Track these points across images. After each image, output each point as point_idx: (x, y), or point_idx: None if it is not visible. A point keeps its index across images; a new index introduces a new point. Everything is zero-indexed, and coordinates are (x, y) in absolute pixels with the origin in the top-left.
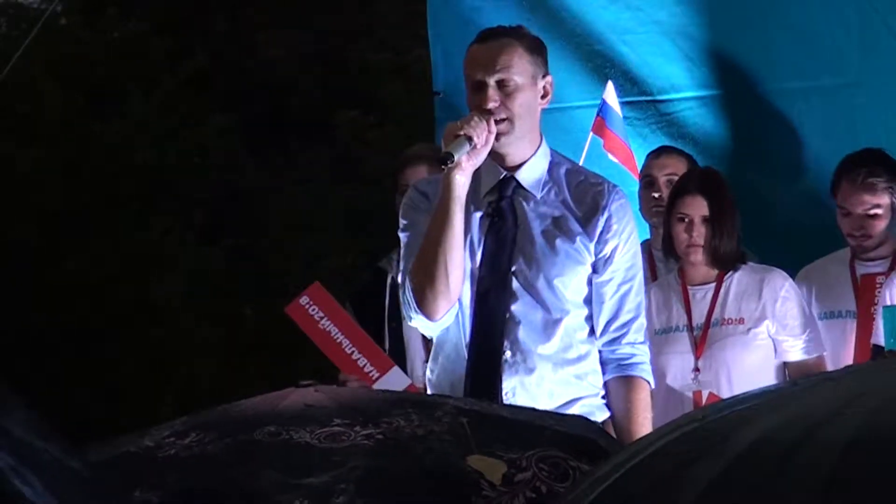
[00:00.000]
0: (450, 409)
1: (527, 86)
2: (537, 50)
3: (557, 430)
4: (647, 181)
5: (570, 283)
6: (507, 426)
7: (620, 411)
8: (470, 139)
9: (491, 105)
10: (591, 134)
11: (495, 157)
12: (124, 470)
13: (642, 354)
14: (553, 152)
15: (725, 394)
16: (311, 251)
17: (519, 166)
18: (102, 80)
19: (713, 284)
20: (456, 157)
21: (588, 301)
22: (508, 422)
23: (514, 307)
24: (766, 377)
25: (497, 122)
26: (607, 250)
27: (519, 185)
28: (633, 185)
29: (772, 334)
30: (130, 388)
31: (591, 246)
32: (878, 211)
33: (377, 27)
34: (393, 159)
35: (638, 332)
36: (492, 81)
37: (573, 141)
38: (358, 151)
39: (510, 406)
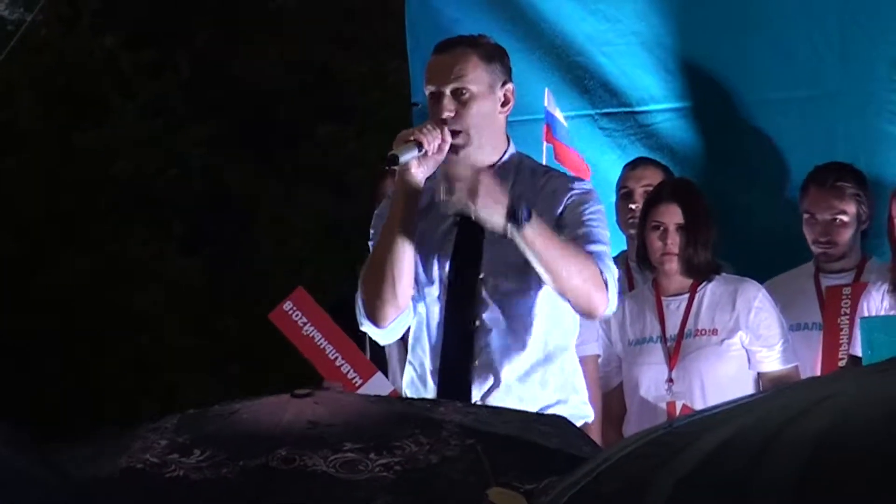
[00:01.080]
0: (454, 427)
1: (483, 94)
2: (495, 57)
3: (568, 452)
4: (624, 193)
5: (540, 290)
6: (518, 449)
7: None
8: (420, 145)
9: (445, 115)
10: (545, 143)
11: None
12: (130, 491)
13: (604, 255)
14: (521, 155)
15: (699, 405)
16: (292, 260)
17: None
18: (82, 90)
19: (687, 295)
20: (401, 160)
21: (560, 304)
22: (519, 443)
23: (484, 315)
24: (740, 388)
25: (454, 135)
26: (568, 214)
27: None
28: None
29: (745, 345)
30: (112, 398)
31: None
32: (845, 218)
33: (357, 37)
34: (370, 170)
35: (602, 252)
36: (447, 91)
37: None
38: (338, 161)
39: (507, 414)
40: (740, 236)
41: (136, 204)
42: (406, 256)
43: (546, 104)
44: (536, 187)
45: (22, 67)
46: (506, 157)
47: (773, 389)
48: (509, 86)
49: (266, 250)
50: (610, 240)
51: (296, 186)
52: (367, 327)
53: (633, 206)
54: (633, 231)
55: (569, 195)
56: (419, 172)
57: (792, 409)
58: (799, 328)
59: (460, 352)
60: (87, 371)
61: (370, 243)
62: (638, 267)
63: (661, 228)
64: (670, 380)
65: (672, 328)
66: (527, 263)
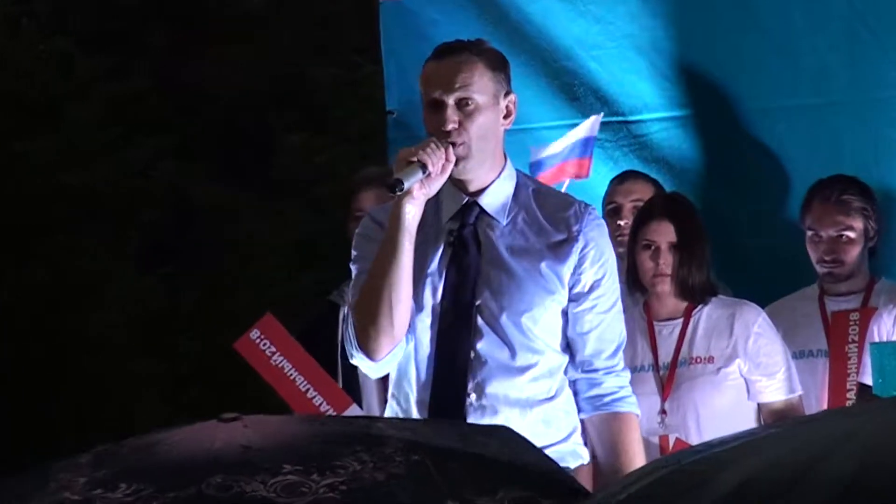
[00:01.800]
0: (396, 443)
1: (488, 105)
2: (499, 66)
3: (519, 463)
4: (612, 208)
5: (541, 318)
6: (466, 462)
7: (610, 451)
8: (424, 167)
9: (450, 126)
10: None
11: (456, 182)
12: None
13: (627, 386)
14: (519, 173)
15: (694, 439)
16: (257, 280)
17: (482, 191)
18: (30, 96)
19: (681, 320)
20: (406, 185)
21: (562, 334)
22: (466, 456)
23: (478, 345)
24: (738, 420)
25: (455, 146)
26: (585, 280)
27: (483, 210)
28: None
29: (744, 374)
30: (66, 429)
31: (566, 276)
32: (851, 234)
33: (328, 42)
34: (344, 182)
35: (621, 359)
36: (450, 101)
37: None
38: (309, 173)
39: (443, 426)
40: (739, 256)
41: (89, 217)
42: (405, 284)
43: (590, 130)
44: (537, 208)
45: None
46: (503, 174)
47: (783, 423)
48: (512, 97)
49: (232, 268)
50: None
51: (264, 199)
52: (358, 360)
53: (621, 223)
54: (621, 250)
55: (583, 235)
56: (421, 195)
57: (813, 449)
58: (802, 355)
59: (453, 387)
60: (38, 399)
61: (352, 266)
62: (627, 289)
63: (653, 247)
64: (663, 411)
65: (665, 356)
66: (529, 286)
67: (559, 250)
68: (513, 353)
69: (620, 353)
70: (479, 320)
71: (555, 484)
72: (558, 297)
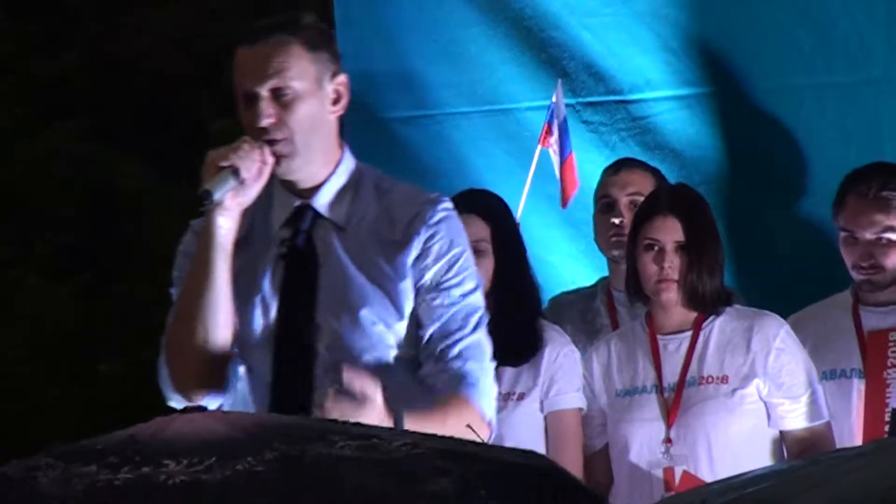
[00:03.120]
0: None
1: (310, 92)
2: (321, 44)
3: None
4: (605, 203)
5: (394, 329)
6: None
7: None
8: (236, 172)
9: (265, 122)
10: (539, 146)
11: (285, 183)
12: None
13: (473, 375)
14: (360, 166)
15: (704, 471)
16: None
17: (315, 190)
18: None
19: (689, 333)
20: (216, 196)
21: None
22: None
23: (320, 372)
24: (756, 450)
25: (275, 144)
26: (428, 278)
27: (317, 214)
28: (584, 210)
29: (763, 396)
30: None
31: (408, 275)
32: (893, 236)
33: (266, 9)
34: None
35: (473, 350)
36: (264, 92)
37: (521, 150)
38: None
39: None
40: (757, 257)
41: None
42: (222, 310)
43: (555, 99)
44: (381, 206)
45: None
46: (339, 169)
47: (823, 458)
48: (341, 78)
49: (157, 274)
50: (482, 301)
51: (192, 193)
52: (176, 403)
53: (616, 221)
54: (616, 252)
55: (427, 228)
56: (235, 205)
57: (873, 493)
58: (833, 376)
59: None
60: None
61: (172, 291)
62: (626, 298)
63: (657, 248)
64: (668, 440)
65: (670, 375)
66: (376, 297)
67: (402, 249)
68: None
69: (474, 343)
70: (321, 343)
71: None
72: (410, 302)
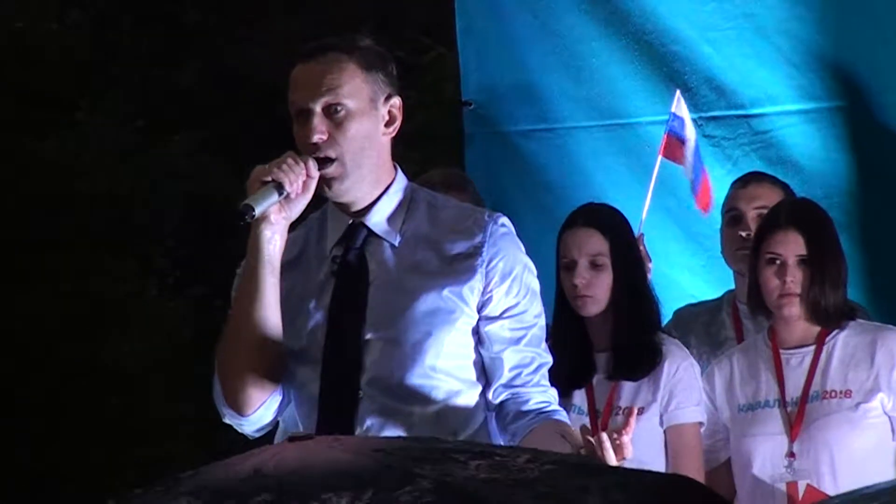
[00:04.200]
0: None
1: (362, 111)
2: (378, 65)
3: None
4: (732, 217)
5: (443, 347)
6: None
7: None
8: (280, 187)
9: (316, 138)
10: (659, 157)
11: (338, 203)
12: None
13: (556, 402)
14: (412, 185)
15: (828, 486)
16: None
17: (368, 209)
18: (39, 85)
19: (812, 347)
20: (258, 210)
21: (474, 362)
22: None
23: (367, 387)
24: (879, 465)
25: (324, 163)
26: (496, 298)
27: (371, 231)
28: (705, 224)
29: (888, 410)
30: (75, 477)
31: (469, 296)
32: None
33: (387, 20)
34: None
35: (545, 377)
36: (317, 108)
37: (641, 164)
38: None
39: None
40: (883, 276)
41: (106, 229)
42: (271, 323)
43: (674, 108)
44: (435, 224)
45: None
46: (392, 188)
47: None
48: (395, 100)
49: None
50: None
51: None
52: (229, 418)
53: (743, 234)
54: (742, 265)
55: (489, 248)
56: (281, 219)
57: None
58: None
59: (339, 432)
60: (44, 444)
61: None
62: (749, 311)
63: (778, 262)
64: (791, 454)
65: (793, 389)
66: (426, 313)
67: (460, 267)
68: (408, 394)
69: (544, 371)
70: (369, 358)
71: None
72: (463, 320)
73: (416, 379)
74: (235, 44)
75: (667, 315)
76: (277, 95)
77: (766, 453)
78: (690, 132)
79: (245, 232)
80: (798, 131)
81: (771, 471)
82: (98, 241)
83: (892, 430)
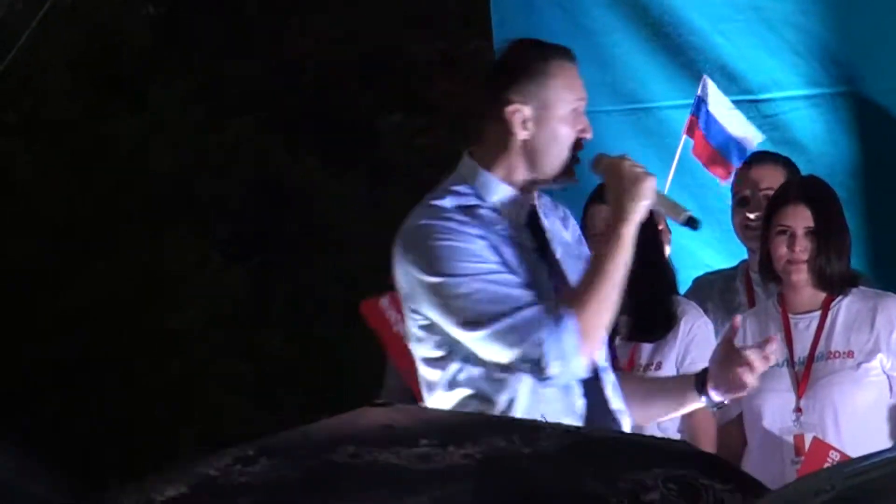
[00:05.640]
0: (552, 432)
1: None
2: None
3: (681, 449)
4: (740, 198)
5: None
6: (622, 449)
7: None
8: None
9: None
10: (684, 136)
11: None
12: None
13: None
14: None
15: (832, 438)
16: (351, 271)
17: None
18: (113, 70)
19: (818, 312)
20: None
21: None
22: (622, 443)
23: None
24: (878, 420)
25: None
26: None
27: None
28: (721, 200)
29: (886, 370)
30: (145, 430)
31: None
32: None
33: (429, 13)
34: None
35: None
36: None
37: (661, 146)
38: (405, 159)
39: (616, 431)
40: (883, 244)
41: (173, 203)
42: None
43: (700, 92)
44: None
45: (47, 41)
46: None
47: None
48: None
49: (323, 260)
50: None
51: (358, 186)
52: (575, 363)
53: (751, 216)
54: (752, 243)
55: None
56: None
57: None
58: None
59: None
60: (116, 400)
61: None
62: (761, 280)
63: (788, 233)
64: (798, 409)
65: (801, 350)
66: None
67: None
68: None
69: None
70: None
71: (715, 467)
72: None
73: None
74: (293, 33)
75: (686, 282)
76: (330, 81)
77: (776, 408)
78: (716, 108)
79: (300, 210)
80: (803, 115)
81: (780, 424)
82: (166, 215)
83: (891, 388)
